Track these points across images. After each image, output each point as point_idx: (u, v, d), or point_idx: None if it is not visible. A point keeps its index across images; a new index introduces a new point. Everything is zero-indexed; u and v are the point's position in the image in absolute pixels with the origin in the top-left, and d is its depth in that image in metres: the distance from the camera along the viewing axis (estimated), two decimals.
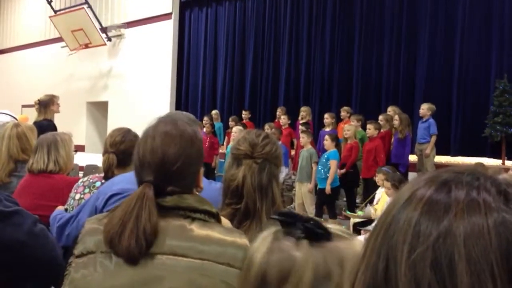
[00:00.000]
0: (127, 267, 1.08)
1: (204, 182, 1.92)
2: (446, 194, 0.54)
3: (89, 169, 7.80)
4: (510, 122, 7.86)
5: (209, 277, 1.07)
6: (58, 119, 5.79)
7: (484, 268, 0.50)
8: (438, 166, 7.67)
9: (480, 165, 5.33)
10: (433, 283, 0.50)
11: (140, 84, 13.15)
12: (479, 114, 8.33)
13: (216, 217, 1.19)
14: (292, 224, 0.84)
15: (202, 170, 1.29)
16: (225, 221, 1.31)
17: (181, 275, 1.07)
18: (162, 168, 1.17)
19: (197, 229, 1.12)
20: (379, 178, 6.09)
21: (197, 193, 1.27)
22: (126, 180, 1.94)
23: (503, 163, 7.89)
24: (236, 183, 1.59)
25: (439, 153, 8.12)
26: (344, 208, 7.29)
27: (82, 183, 2.41)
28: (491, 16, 8.57)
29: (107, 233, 1.11)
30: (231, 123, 10.20)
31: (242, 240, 1.15)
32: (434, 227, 0.53)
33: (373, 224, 0.63)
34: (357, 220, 6.22)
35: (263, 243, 0.87)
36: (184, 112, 2.21)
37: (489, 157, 8.20)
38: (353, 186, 7.55)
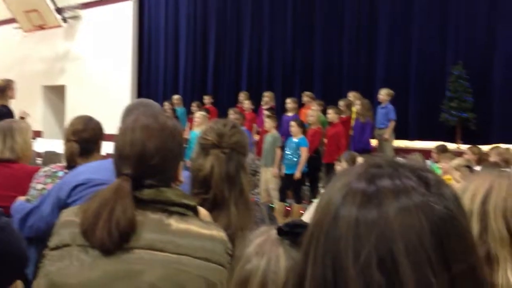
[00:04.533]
0: (104, 260, 1.08)
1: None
2: (375, 186, 0.57)
3: (48, 156, 7.60)
4: (465, 107, 8.15)
5: (187, 272, 1.08)
6: (12, 104, 5.59)
7: (423, 258, 0.53)
8: (397, 150, 7.89)
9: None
10: (383, 284, 0.52)
11: (99, 68, 12.82)
12: (435, 100, 8.59)
13: (194, 210, 1.19)
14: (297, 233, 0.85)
15: (182, 163, 1.28)
16: (203, 212, 1.32)
17: (159, 269, 1.07)
18: (140, 161, 1.16)
19: (175, 223, 1.13)
20: (341, 165, 6.19)
21: (177, 186, 1.27)
22: (90, 169, 1.91)
23: (458, 147, 8.19)
24: (204, 173, 1.60)
25: (398, 137, 8.34)
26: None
27: (43, 173, 2.35)
28: (448, 3, 8.80)
29: (82, 225, 1.10)
30: (193, 108, 10.12)
31: (220, 234, 1.16)
32: (372, 222, 0.54)
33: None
34: None
35: (262, 250, 0.90)
36: (151, 101, 2.18)
37: (445, 141, 8.47)
38: (316, 171, 7.67)
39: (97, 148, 2.41)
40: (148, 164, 1.16)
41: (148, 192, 1.15)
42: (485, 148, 6.64)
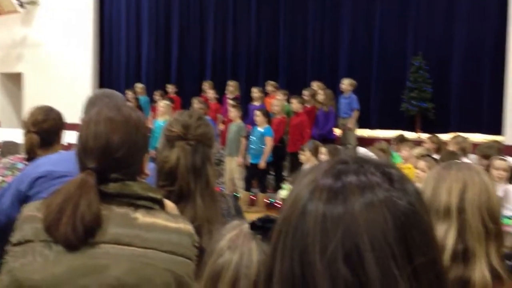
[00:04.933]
0: (68, 256, 1.07)
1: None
2: (341, 182, 0.59)
3: (7, 146, 7.34)
4: (424, 97, 8.37)
5: (154, 266, 1.08)
6: None
7: (387, 252, 0.55)
8: (360, 139, 8.04)
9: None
10: (349, 278, 0.54)
11: (58, 55, 12.43)
12: (396, 90, 8.78)
13: (160, 204, 1.18)
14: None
15: (147, 156, 1.27)
16: (170, 205, 1.31)
17: (125, 263, 1.07)
18: (105, 155, 1.14)
19: (141, 217, 1.12)
20: (305, 155, 6.27)
21: (143, 179, 1.25)
22: (51, 161, 1.87)
23: (418, 136, 8.41)
24: (170, 165, 1.59)
25: (360, 126, 8.50)
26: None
27: (2, 165, 2.28)
28: None
29: (45, 221, 1.08)
30: (156, 97, 9.98)
31: (187, 226, 1.16)
32: (338, 217, 0.56)
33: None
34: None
35: (235, 244, 0.91)
36: (115, 92, 2.14)
37: (406, 130, 8.68)
38: (280, 160, 7.72)
39: (57, 139, 2.36)
40: (112, 158, 1.14)
41: (113, 186, 1.13)
42: (444, 137, 6.85)
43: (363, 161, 0.61)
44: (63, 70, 12.22)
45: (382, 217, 0.56)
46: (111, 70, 12.53)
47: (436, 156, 5.18)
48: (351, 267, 0.54)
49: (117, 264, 1.07)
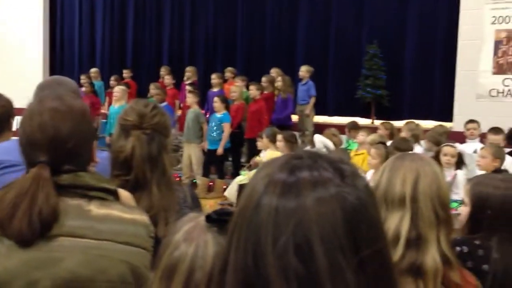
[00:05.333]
0: (21, 249, 1.04)
1: None
2: (295, 177, 0.61)
3: None
4: (379, 85, 8.58)
5: (109, 257, 1.07)
6: None
7: (335, 245, 0.58)
8: (317, 125, 8.16)
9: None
10: (299, 269, 0.56)
11: (6, 38, 11.90)
12: (352, 77, 8.95)
13: (114, 194, 1.17)
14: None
15: (96, 143, 1.25)
16: (125, 194, 1.30)
17: (79, 255, 1.06)
18: (56, 147, 1.11)
19: (96, 209, 1.11)
20: (262, 142, 6.32)
21: (93, 167, 1.24)
22: (2, 150, 1.81)
23: (372, 122, 8.63)
24: (125, 154, 1.57)
25: (317, 113, 8.62)
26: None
27: None
28: None
29: None
30: (112, 82, 9.76)
31: (142, 217, 1.15)
32: (290, 211, 0.58)
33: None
34: (244, 181, 6.42)
35: (191, 236, 0.92)
36: (67, 79, 2.08)
37: (361, 117, 8.90)
38: (238, 147, 7.75)
39: (8, 126, 2.28)
40: (64, 149, 1.12)
41: (65, 178, 1.11)
42: (397, 123, 7.05)
43: (317, 157, 0.64)
44: (12, 54, 11.70)
45: (332, 211, 0.58)
46: (63, 54, 12.12)
47: (389, 142, 5.35)
48: (301, 258, 0.56)
49: (71, 256, 1.05)
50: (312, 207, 0.58)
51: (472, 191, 1.74)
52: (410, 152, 3.19)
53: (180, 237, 0.98)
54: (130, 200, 1.31)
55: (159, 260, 0.99)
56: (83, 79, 9.37)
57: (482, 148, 4.69)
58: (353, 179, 0.63)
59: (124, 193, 1.28)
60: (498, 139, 5.29)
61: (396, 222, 1.40)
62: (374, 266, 0.60)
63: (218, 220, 0.96)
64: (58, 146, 1.11)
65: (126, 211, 1.14)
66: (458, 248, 1.61)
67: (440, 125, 6.81)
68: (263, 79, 8.16)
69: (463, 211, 1.76)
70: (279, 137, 5.87)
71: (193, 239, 0.97)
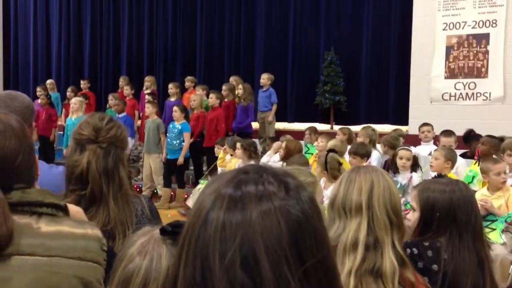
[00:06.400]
0: None
1: (43, 167, 1.83)
2: (241, 191, 0.63)
3: None
4: (337, 91, 8.75)
5: (60, 273, 1.05)
6: None
7: (281, 256, 0.60)
8: (278, 132, 8.24)
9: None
10: (246, 282, 0.58)
11: None
12: (311, 84, 9.09)
13: (64, 210, 1.16)
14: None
15: (36, 157, 1.23)
16: (75, 208, 1.28)
17: (29, 273, 1.03)
18: (4, 167, 1.09)
19: (45, 226, 1.09)
20: (220, 150, 6.34)
21: (36, 183, 1.22)
22: None
23: (331, 128, 8.78)
24: (80, 169, 1.55)
25: (277, 119, 8.71)
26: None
27: None
28: None
29: None
30: (69, 93, 9.56)
31: (94, 231, 1.14)
32: (236, 225, 0.60)
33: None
34: None
35: (145, 249, 0.92)
36: (19, 94, 2.04)
37: (320, 122, 9.05)
38: (200, 155, 7.73)
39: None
40: (11, 168, 1.10)
41: (13, 195, 1.09)
42: (355, 128, 7.21)
43: (263, 171, 0.66)
44: None
45: (277, 224, 0.61)
46: (17, 65, 11.79)
47: (348, 146, 5.47)
48: (248, 271, 0.58)
49: (20, 275, 1.03)
50: (257, 220, 0.60)
51: (419, 196, 1.84)
52: (364, 165, 3.27)
53: (135, 250, 0.99)
54: (80, 214, 1.30)
55: (114, 273, 0.99)
56: (39, 90, 9.14)
57: (435, 150, 4.84)
58: (297, 192, 0.65)
59: (74, 208, 1.26)
60: (450, 141, 5.49)
61: (355, 228, 1.51)
62: (319, 274, 0.63)
63: (173, 232, 0.97)
64: (7, 164, 1.10)
65: (76, 226, 1.13)
66: (408, 250, 1.70)
67: (396, 129, 7.02)
68: (223, 87, 8.18)
69: (412, 216, 1.86)
70: (238, 145, 5.91)
71: (147, 252, 0.97)
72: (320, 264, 0.63)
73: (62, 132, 8.46)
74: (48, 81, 10.28)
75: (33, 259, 1.05)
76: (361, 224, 1.50)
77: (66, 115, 8.64)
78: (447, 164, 4.43)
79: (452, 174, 4.33)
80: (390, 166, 4.90)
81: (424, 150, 5.71)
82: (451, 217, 1.77)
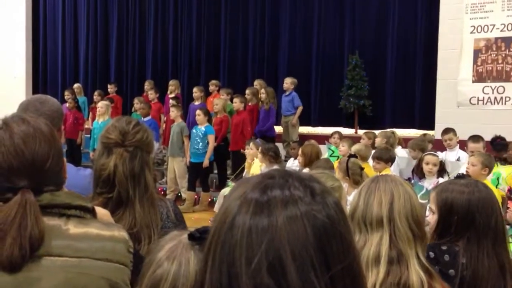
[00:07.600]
0: (1, 274, 1.04)
1: (71, 169, 1.86)
2: (267, 196, 0.63)
3: None
4: (362, 95, 8.67)
5: (88, 275, 1.07)
6: None
7: (307, 262, 0.60)
8: (302, 136, 8.21)
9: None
10: (272, 287, 0.58)
11: None
12: (335, 87, 9.04)
13: (92, 212, 1.18)
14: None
15: (65, 160, 1.26)
16: (102, 211, 1.30)
17: (58, 274, 1.05)
18: (35, 170, 1.11)
19: (74, 228, 1.11)
20: (249, 151, 6.34)
21: (64, 185, 1.24)
22: None
23: (356, 132, 8.71)
24: (108, 172, 1.58)
25: (301, 124, 8.68)
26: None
27: None
28: None
29: None
30: (96, 97, 9.73)
31: (121, 233, 1.16)
32: (263, 230, 0.60)
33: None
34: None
35: (173, 254, 0.93)
36: (49, 98, 2.09)
37: (344, 126, 8.99)
38: (224, 159, 7.75)
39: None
40: (42, 171, 1.12)
41: (43, 198, 1.11)
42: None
43: (288, 175, 0.66)
44: None
45: (303, 229, 0.60)
46: (46, 70, 12.05)
47: (373, 151, 5.42)
48: (274, 276, 0.58)
49: (50, 275, 1.05)
50: (283, 225, 0.60)
51: (438, 198, 1.79)
52: (383, 174, 3.23)
53: (163, 255, 0.99)
54: (107, 217, 1.32)
55: (142, 278, 1.00)
56: (67, 94, 9.34)
57: (471, 156, 4.63)
58: (323, 197, 0.65)
59: (101, 211, 1.28)
60: (479, 146, 5.33)
61: (376, 242, 1.48)
62: (345, 280, 0.62)
63: (201, 238, 0.97)
64: (38, 169, 1.12)
65: (104, 228, 1.15)
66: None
67: (425, 134, 6.90)
68: (247, 91, 8.21)
69: (432, 218, 1.81)
70: (259, 149, 5.93)
71: (175, 257, 0.98)
72: (346, 270, 0.63)
73: (88, 135, 8.62)
74: (76, 85, 10.48)
75: (62, 260, 1.07)
76: (383, 238, 1.48)
77: (93, 119, 8.80)
78: (484, 171, 4.21)
79: (487, 181, 4.16)
80: (416, 171, 4.83)
81: (451, 156, 5.60)
82: (469, 219, 1.72)
